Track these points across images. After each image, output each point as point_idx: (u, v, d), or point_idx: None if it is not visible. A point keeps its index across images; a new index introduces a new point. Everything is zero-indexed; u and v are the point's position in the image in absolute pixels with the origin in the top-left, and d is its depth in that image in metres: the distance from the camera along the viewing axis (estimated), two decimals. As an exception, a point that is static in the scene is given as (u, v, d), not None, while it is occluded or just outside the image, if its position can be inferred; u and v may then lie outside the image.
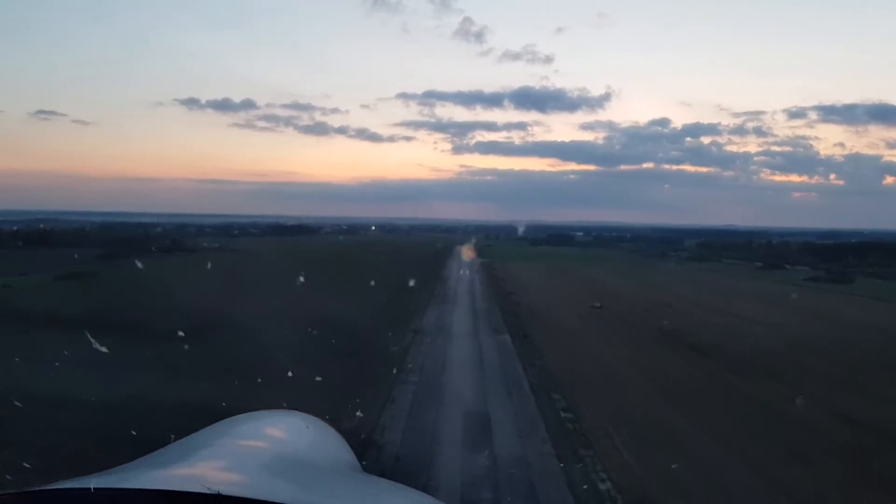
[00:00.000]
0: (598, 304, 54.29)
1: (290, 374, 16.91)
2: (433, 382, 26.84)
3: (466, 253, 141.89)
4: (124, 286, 58.83)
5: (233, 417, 3.30)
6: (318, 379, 17.57)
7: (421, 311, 47.70)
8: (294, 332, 31.80)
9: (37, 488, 2.20)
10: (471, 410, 22.97)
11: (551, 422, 21.99)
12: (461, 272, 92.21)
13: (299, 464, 2.75)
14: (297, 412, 3.55)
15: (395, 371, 27.87)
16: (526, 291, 63.82)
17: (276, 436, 3.10)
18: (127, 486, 2.14)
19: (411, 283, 64.86)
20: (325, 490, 2.60)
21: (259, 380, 16.58)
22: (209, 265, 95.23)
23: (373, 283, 64.61)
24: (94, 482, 2.01)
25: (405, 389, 25.22)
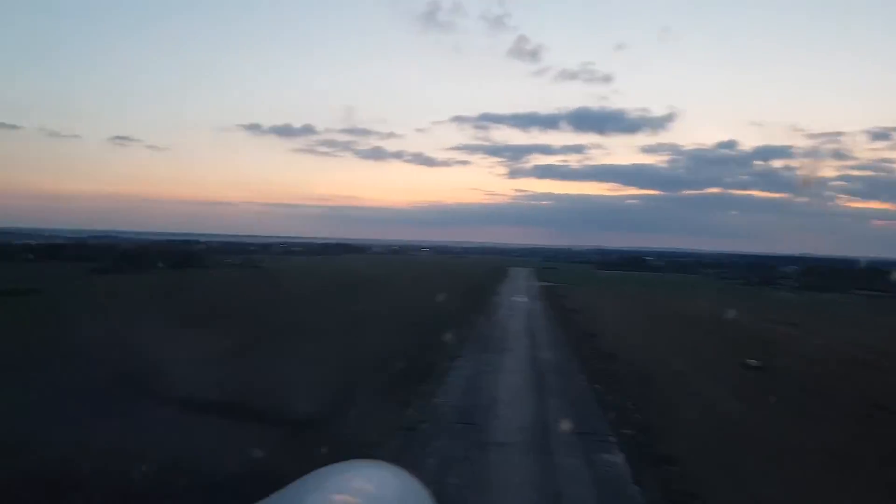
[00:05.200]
0: (753, 362, 31.51)
1: None
2: None
3: (524, 276, 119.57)
4: (30, 313, 40.87)
5: (320, 470, 3.28)
6: None
7: (440, 372, 26.47)
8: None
9: None
10: None
11: None
12: (514, 298, 70.36)
13: None
14: (383, 463, 3.65)
15: None
16: (616, 335, 41.45)
17: (366, 490, 3.17)
18: None
19: (437, 319, 43.73)
20: None
21: None
22: (196, 282, 77.62)
23: (383, 312, 44.19)
24: None
25: None
